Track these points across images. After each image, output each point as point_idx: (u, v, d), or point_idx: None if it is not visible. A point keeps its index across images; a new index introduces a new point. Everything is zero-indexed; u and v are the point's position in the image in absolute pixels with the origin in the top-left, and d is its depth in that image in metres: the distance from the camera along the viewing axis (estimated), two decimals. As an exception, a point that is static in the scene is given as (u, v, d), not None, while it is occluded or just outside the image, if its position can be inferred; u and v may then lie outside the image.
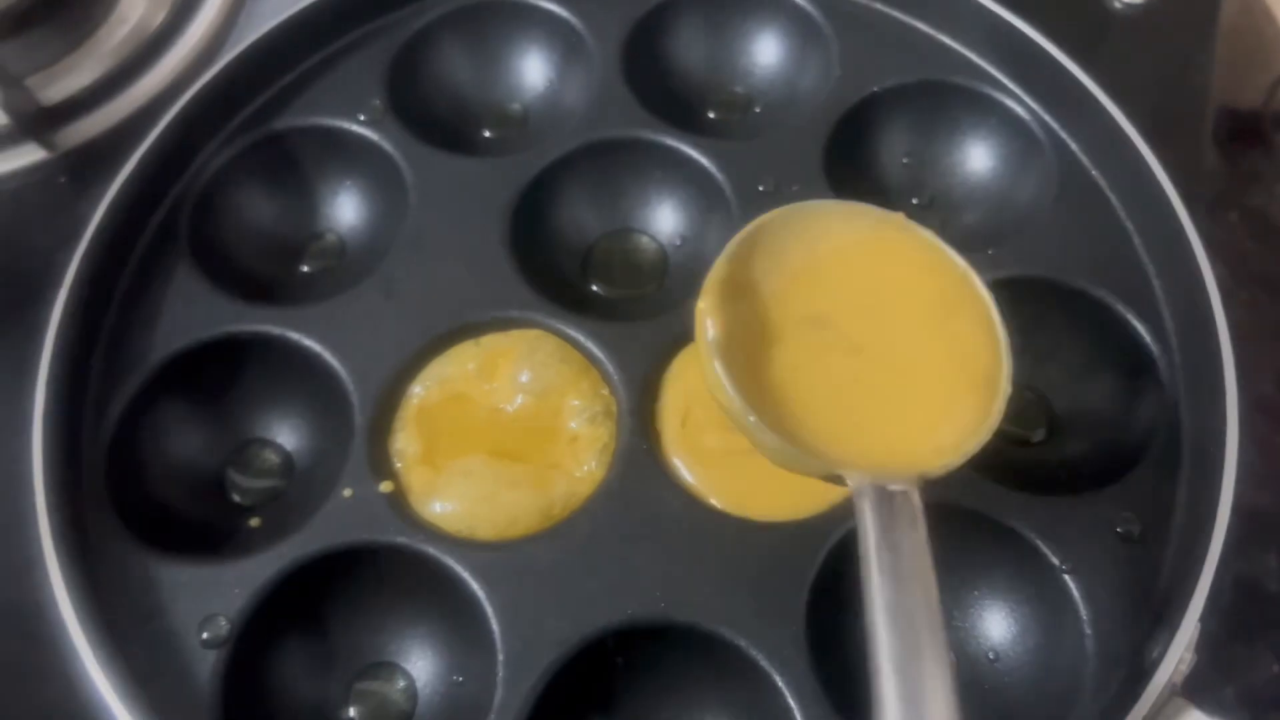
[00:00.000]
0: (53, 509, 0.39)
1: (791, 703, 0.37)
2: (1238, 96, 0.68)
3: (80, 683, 0.37)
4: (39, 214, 0.55)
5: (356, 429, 0.43)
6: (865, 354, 0.36)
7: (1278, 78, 0.66)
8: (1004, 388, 0.34)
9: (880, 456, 0.33)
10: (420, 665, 0.41)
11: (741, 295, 0.36)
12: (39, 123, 0.55)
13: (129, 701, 0.36)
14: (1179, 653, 0.35)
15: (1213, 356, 0.40)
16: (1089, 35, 0.58)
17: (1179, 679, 0.35)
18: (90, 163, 0.55)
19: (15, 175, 0.55)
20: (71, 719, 0.42)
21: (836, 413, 0.34)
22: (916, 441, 0.34)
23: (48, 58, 0.58)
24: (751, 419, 0.33)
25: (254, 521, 0.44)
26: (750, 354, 0.35)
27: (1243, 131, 0.68)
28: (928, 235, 0.38)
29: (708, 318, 0.35)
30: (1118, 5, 0.59)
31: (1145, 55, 0.58)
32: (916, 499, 0.32)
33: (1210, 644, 0.37)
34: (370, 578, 0.41)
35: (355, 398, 0.43)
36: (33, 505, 0.40)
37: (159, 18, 0.59)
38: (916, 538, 0.31)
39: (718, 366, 0.34)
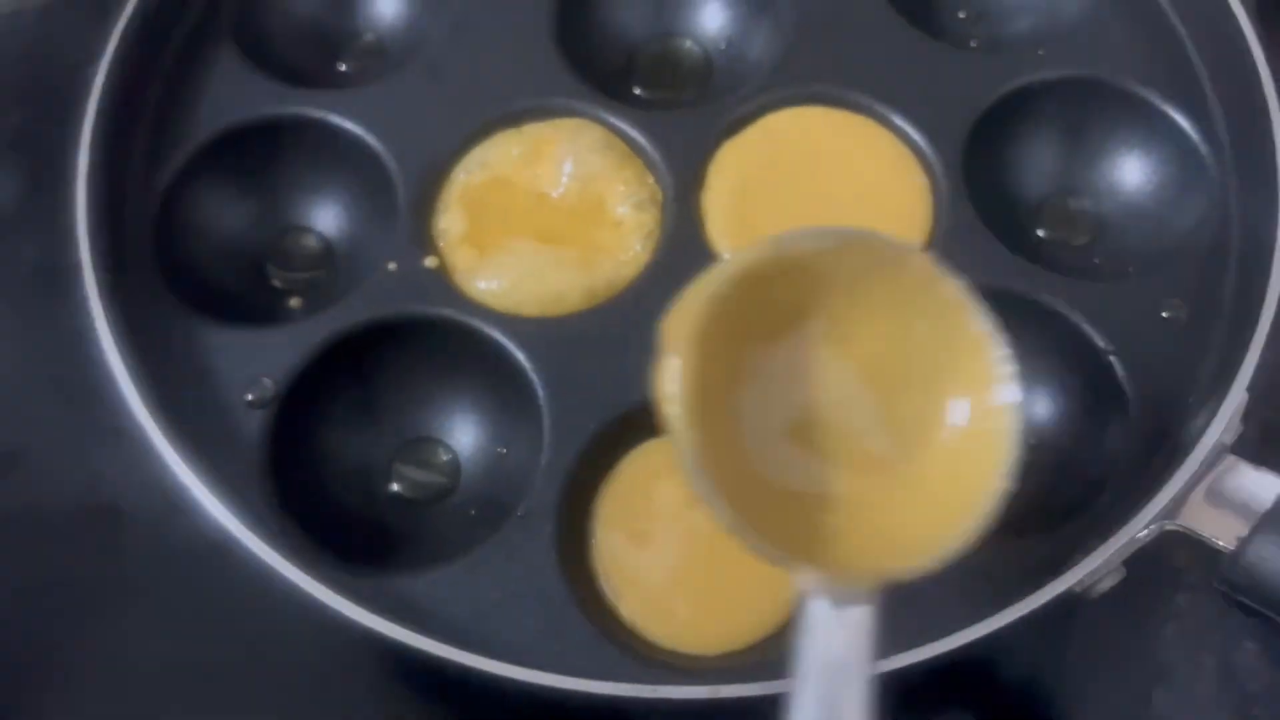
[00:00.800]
0: (100, 274, 0.39)
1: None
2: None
3: (134, 443, 0.37)
4: (62, 34, 0.55)
5: (400, 208, 0.42)
6: (843, 458, 0.29)
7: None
8: (986, 513, 0.28)
9: (837, 562, 0.28)
10: (464, 439, 0.41)
11: (716, 345, 0.28)
12: None
13: (182, 456, 0.36)
14: (1227, 416, 0.36)
15: (1267, 150, 0.40)
16: None
17: (1228, 440, 0.35)
18: None
19: None
20: (125, 479, 0.43)
21: (799, 512, 0.29)
22: (880, 551, 0.28)
23: None
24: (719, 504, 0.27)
25: (294, 302, 0.44)
26: (714, 415, 0.28)
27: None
28: (954, 290, 0.29)
29: (679, 368, 0.28)
30: None
31: None
32: (868, 619, 0.27)
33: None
34: (414, 351, 0.41)
35: (399, 178, 0.43)
36: (80, 273, 0.40)
37: None
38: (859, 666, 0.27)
39: (689, 436, 0.27)
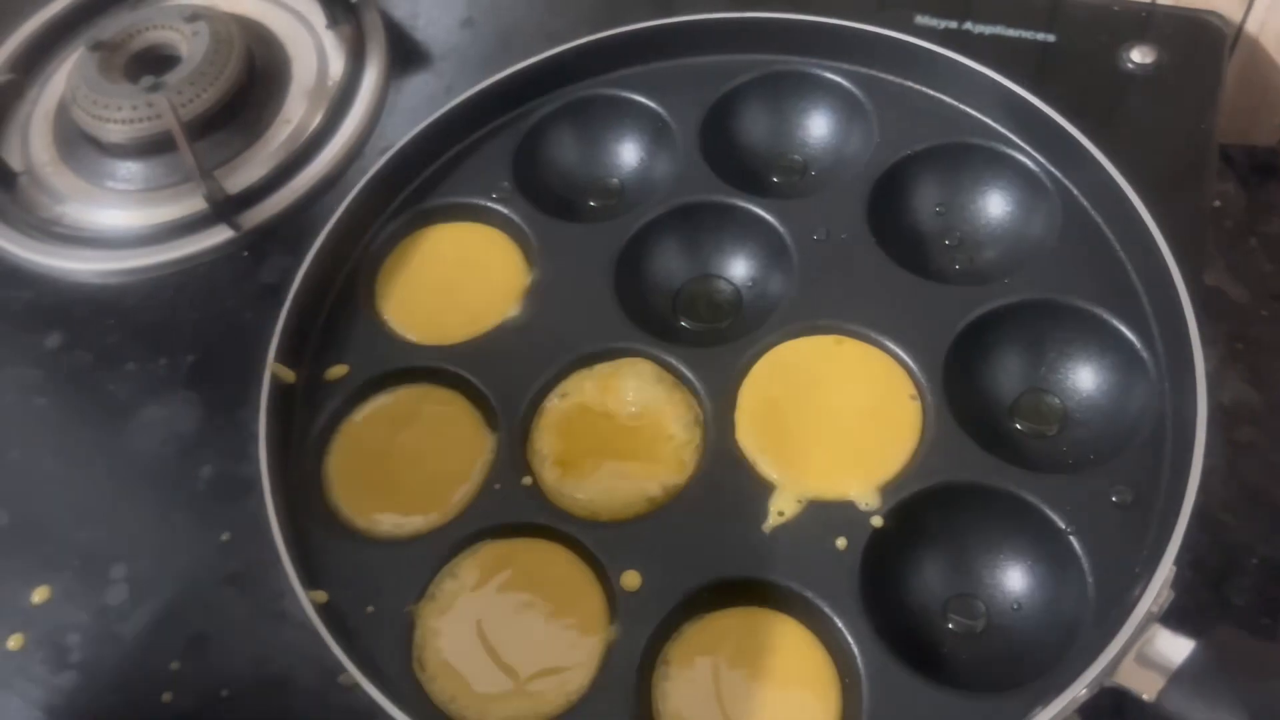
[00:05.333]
0: (275, 486, 0.52)
1: (851, 643, 0.47)
2: (1255, 136, 0.77)
3: (299, 627, 0.49)
4: (230, 282, 0.66)
5: (499, 441, 0.55)
6: None
7: (1286, 118, 0.75)
8: None
9: None
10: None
11: None
12: (228, 207, 0.66)
13: (336, 641, 0.48)
14: (1157, 589, 0.45)
15: (1188, 358, 0.50)
16: (1105, 94, 0.68)
17: (1156, 609, 0.44)
18: (266, 239, 0.66)
19: (212, 250, 0.66)
20: (292, 657, 0.55)
21: None
22: None
23: (230, 154, 0.70)
24: None
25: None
26: None
27: (1260, 166, 0.77)
28: None
29: None
30: (1129, 66, 0.68)
31: (1155, 108, 0.66)
32: None
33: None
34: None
35: (500, 416, 0.55)
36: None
37: (316, 120, 0.71)
38: None
39: None
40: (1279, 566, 0.59)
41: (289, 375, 0.56)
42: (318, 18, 0.76)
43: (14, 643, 0.54)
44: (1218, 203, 0.75)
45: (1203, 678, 0.41)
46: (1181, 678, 0.41)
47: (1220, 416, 0.66)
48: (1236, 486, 0.63)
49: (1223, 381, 0.68)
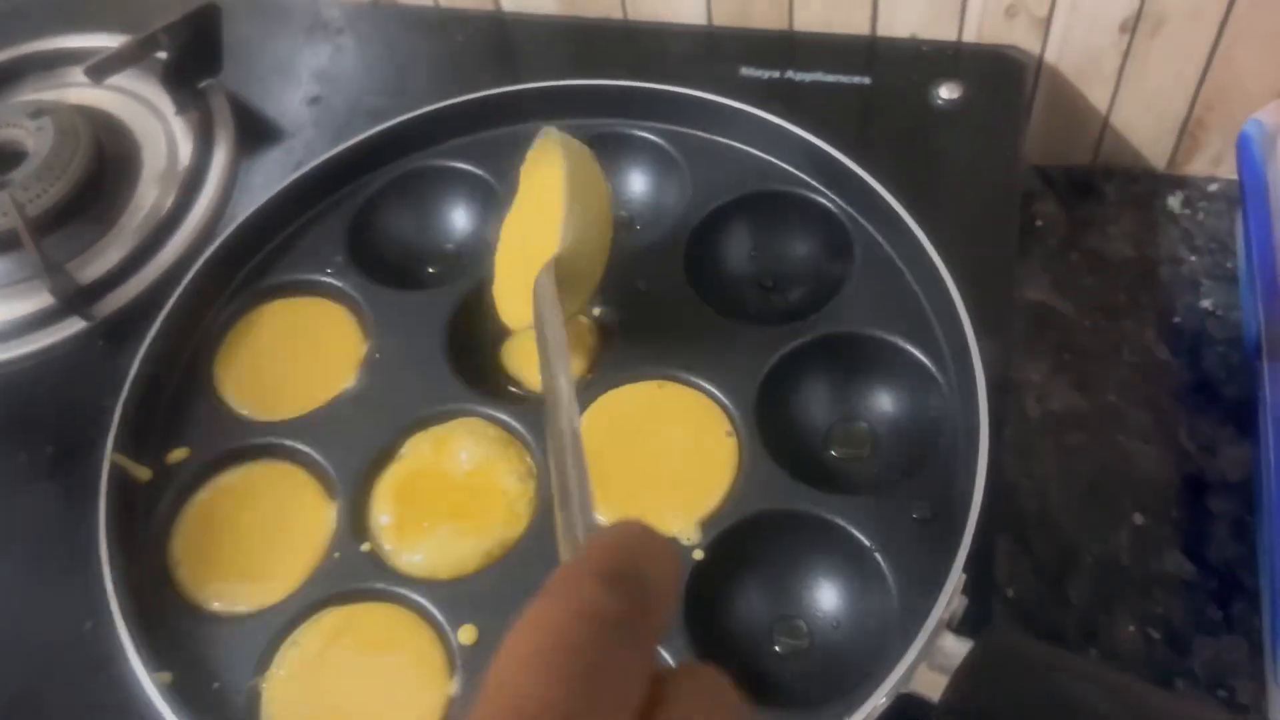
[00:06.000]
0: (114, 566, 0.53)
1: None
2: (1072, 157, 0.83)
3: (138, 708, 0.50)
4: (84, 372, 0.66)
5: (339, 510, 0.56)
6: None
7: (1097, 140, 0.80)
8: None
9: None
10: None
11: None
12: (79, 299, 0.67)
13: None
14: (947, 597, 0.48)
15: (971, 376, 0.54)
16: (917, 130, 0.72)
17: (948, 616, 0.48)
18: (122, 326, 0.67)
19: (63, 344, 0.67)
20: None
21: None
22: None
23: (83, 245, 0.70)
24: None
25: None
26: None
27: (1078, 185, 0.82)
28: None
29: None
30: (939, 102, 0.73)
31: (965, 138, 0.71)
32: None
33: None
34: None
35: (339, 485, 0.57)
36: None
37: (167, 204, 0.72)
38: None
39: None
40: (1111, 563, 0.63)
41: (137, 470, 0.58)
42: (166, 105, 0.78)
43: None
44: (1040, 222, 0.80)
45: (977, 677, 0.44)
46: (958, 678, 0.44)
47: (1051, 423, 0.70)
48: (1070, 489, 0.67)
49: (1052, 390, 0.72)
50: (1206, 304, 0.73)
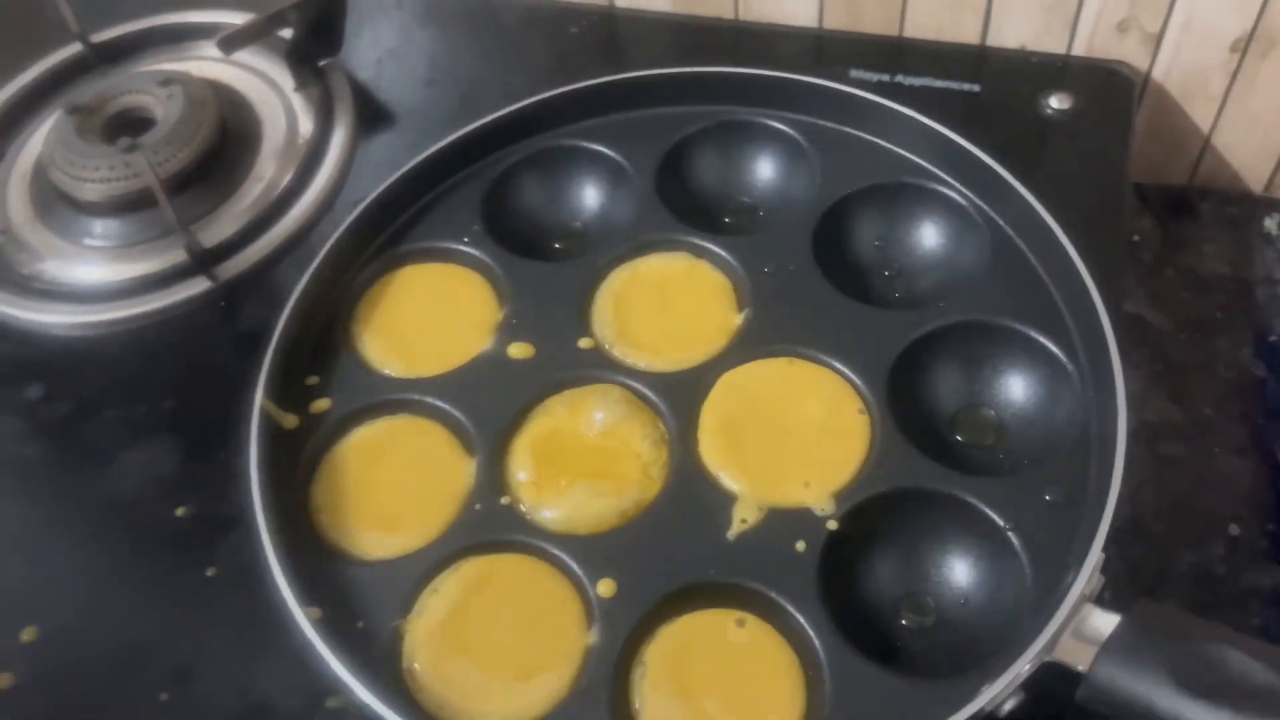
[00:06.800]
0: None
1: (813, 637, 0.51)
2: (1168, 176, 0.84)
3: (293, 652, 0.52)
4: (208, 331, 0.68)
5: (478, 465, 0.58)
6: None
7: (1195, 160, 0.81)
8: None
9: None
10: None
11: None
12: (205, 260, 0.69)
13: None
14: (1088, 574, 0.49)
15: (1108, 368, 0.55)
16: (1027, 137, 0.74)
17: (1089, 591, 0.49)
18: (242, 291, 0.69)
19: (190, 301, 0.69)
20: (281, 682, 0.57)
21: None
22: None
23: (204, 210, 0.72)
24: None
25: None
26: None
27: (1174, 204, 0.83)
28: None
29: None
30: (1049, 111, 0.74)
31: (1073, 150, 0.72)
32: None
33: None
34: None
35: (478, 441, 0.58)
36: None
37: (287, 177, 0.74)
38: None
39: None
40: (1206, 574, 0.64)
41: (284, 417, 0.59)
42: (286, 81, 0.80)
43: (4, 681, 0.56)
44: (1136, 237, 0.81)
45: (1129, 646, 0.45)
46: (1110, 647, 0.45)
47: (1146, 433, 0.71)
48: (1165, 498, 0.68)
49: (1148, 401, 0.73)
50: (1302, 325, 0.74)
